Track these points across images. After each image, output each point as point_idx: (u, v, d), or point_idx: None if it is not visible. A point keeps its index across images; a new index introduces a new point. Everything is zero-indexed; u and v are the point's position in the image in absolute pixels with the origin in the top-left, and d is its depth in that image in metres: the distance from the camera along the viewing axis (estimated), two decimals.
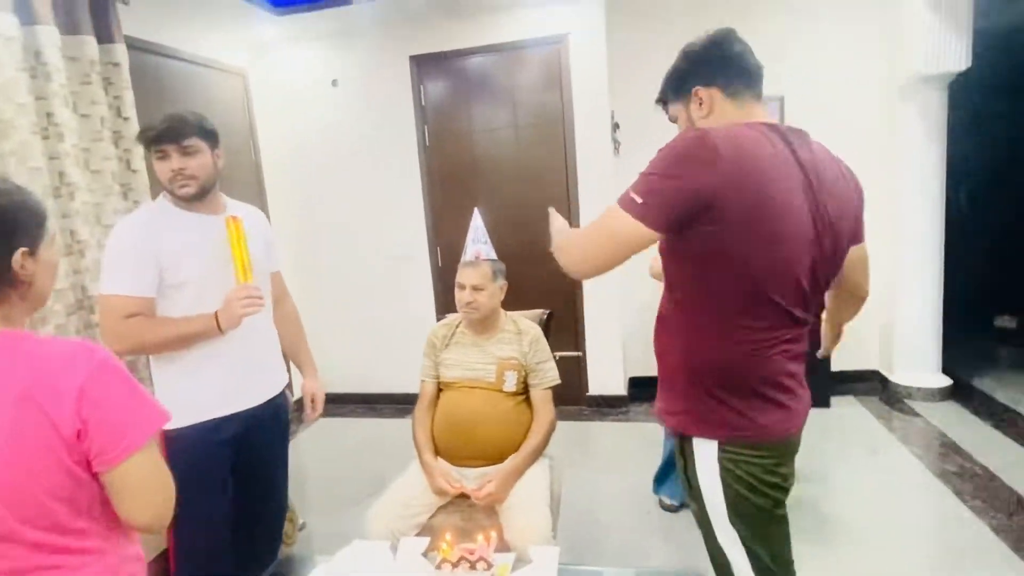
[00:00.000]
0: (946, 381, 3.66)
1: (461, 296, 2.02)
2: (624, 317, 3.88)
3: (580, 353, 3.91)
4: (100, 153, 2.57)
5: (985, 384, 3.79)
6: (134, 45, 2.86)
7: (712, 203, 1.07)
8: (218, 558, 1.75)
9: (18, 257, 0.90)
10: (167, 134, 1.64)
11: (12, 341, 0.89)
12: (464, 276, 2.03)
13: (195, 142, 1.67)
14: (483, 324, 2.06)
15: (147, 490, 0.93)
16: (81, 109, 2.51)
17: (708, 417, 1.22)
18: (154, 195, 2.75)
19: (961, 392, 3.66)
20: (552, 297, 3.85)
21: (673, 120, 1.36)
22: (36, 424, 0.84)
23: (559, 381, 2.06)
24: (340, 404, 4.32)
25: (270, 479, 1.94)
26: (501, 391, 1.97)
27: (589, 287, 3.82)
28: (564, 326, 3.89)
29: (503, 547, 1.71)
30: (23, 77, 2.26)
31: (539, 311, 2.29)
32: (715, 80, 1.23)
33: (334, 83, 3.93)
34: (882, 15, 3.53)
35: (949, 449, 3.03)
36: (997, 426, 3.25)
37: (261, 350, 1.84)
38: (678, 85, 1.30)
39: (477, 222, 2.11)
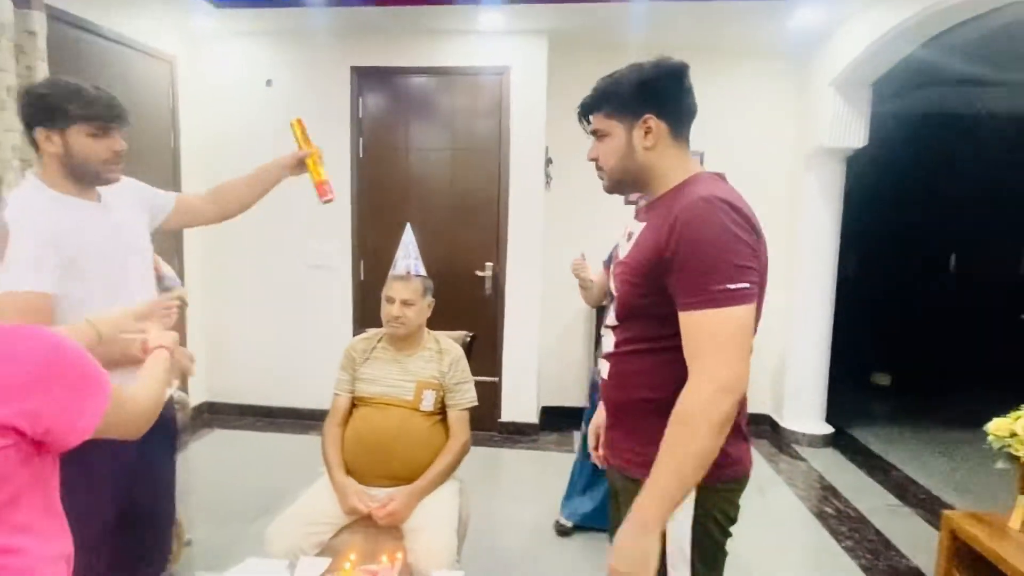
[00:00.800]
0: (828, 429, 3.96)
1: (389, 310, 2.00)
2: (542, 346, 3.95)
3: (497, 379, 3.93)
4: (3, 123, 2.37)
5: (861, 434, 4.14)
6: (55, 16, 2.68)
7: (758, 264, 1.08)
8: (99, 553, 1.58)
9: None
10: (122, 114, 1.51)
11: None
12: (394, 290, 2.01)
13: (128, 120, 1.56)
14: (406, 340, 2.04)
15: (114, 429, 0.94)
16: None
17: None
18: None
19: (841, 440, 3.98)
20: (473, 321, 3.86)
21: (598, 134, 1.23)
22: None
23: (476, 403, 2.07)
24: (239, 416, 4.10)
25: (155, 491, 1.77)
26: (418, 410, 1.95)
27: (511, 313, 3.86)
28: (483, 352, 3.90)
29: (406, 570, 1.68)
30: None
31: (463, 332, 2.30)
32: (667, 115, 1.17)
33: (268, 83, 3.83)
34: (796, 89, 3.88)
35: (828, 492, 3.27)
36: (870, 473, 3.55)
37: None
38: (627, 104, 1.17)
39: (409, 237, 2.10)
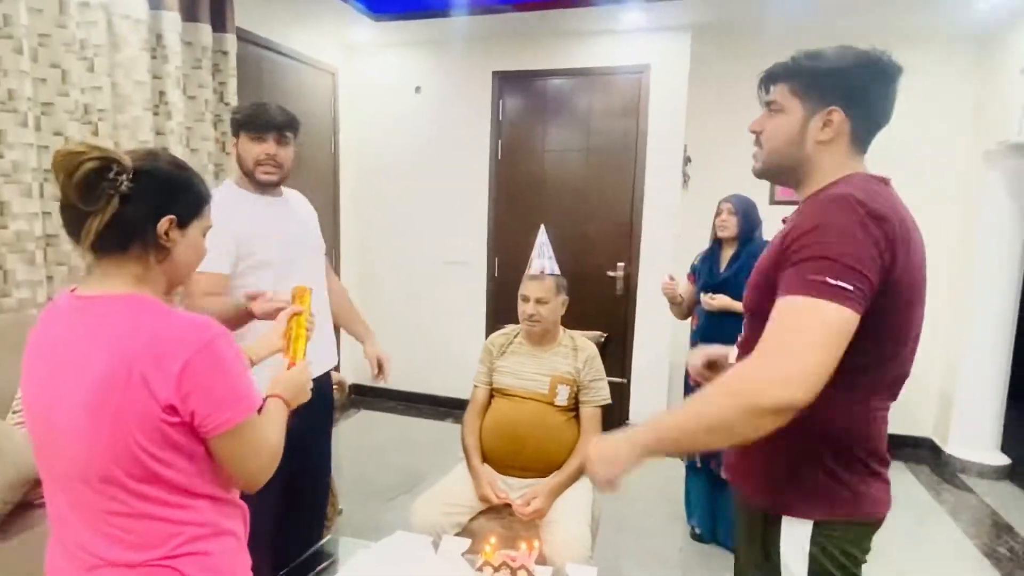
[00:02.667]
0: (1004, 460, 3.50)
1: (524, 308, 2.07)
2: (674, 348, 3.86)
3: (625, 380, 3.91)
4: (200, 133, 2.74)
5: None
6: (241, 36, 3.04)
7: (890, 276, 0.97)
8: (263, 536, 1.75)
9: (164, 222, 0.96)
10: (275, 123, 1.76)
11: (139, 305, 0.95)
12: (529, 289, 2.08)
13: (291, 135, 1.82)
14: (542, 337, 2.11)
15: (241, 461, 0.99)
16: (190, 91, 2.69)
17: (813, 495, 1.07)
18: None
19: (1020, 473, 3.50)
20: (604, 321, 3.86)
21: (773, 107, 1.13)
22: (137, 388, 0.89)
23: (610, 401, 2.08)
24: (383, 399, 4.41)
25: (319, 453, 2.03)
26: (552, 404, 2.01)
27: (642, 314, 3.82)
28: (613, 352, 3.89)
29: (540, 561, 1.73)
30: (144, 57, 2.44)
31: (597, 332, 2.32)
32: (856, 114, 1.06)
33: (417, 89, 4.07)
34: (977, 78, 3.46)
35: (1002, 530, 2.89)
36: None
37: (320, 323, 1.84)
38: (817, 87, 1.06)
39: (543, 238, 2.16)
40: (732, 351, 1.28)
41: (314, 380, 1.83)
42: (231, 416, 0.95)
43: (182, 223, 1.00)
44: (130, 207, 0.93)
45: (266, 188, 1.82)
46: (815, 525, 1.06)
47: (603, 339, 2.32)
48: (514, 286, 4.00)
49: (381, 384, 2.06)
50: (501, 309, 4.00)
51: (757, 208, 2.67)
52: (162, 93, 2.54)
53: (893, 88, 1.06)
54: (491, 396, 2.13)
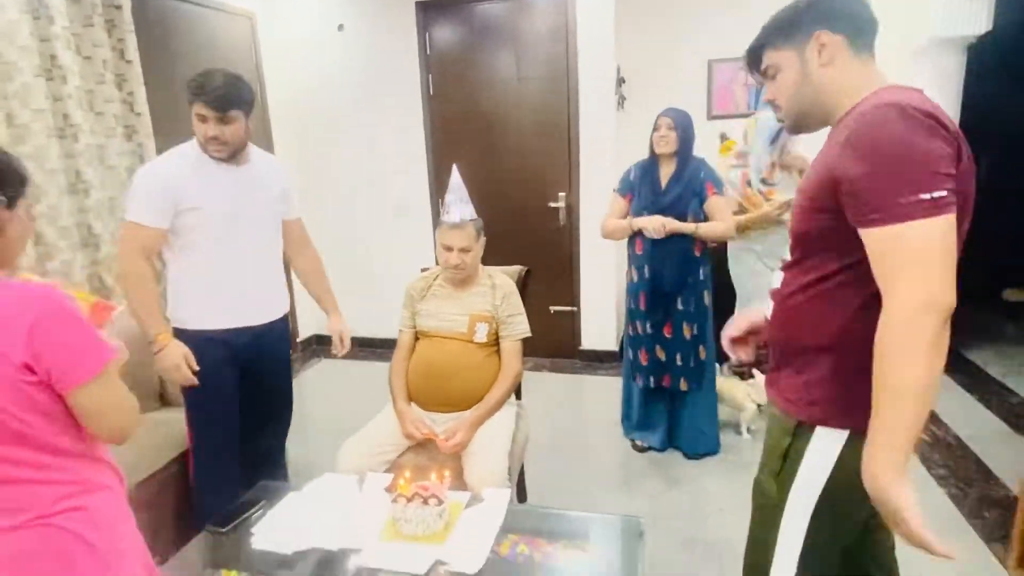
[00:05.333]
0: None
1: (448, 258, 2.06)
2: (620, 273, 3.91)
3: (575, 308, 3.98)
4: (103, 95, 2.65)
5: (980, 355, 3.79)
6: None
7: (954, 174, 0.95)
8: (231, 451, 2.05)
9: None
10: (213, 103, 1.76)
11: None
12: (451, 238, 2.06)
13: (234, 113, 1.80)
14: (464, 280, 2.13)
15: (104, 414, 1.05)
16: (84, 52, 2.58)
17: (854, 405, 1.03)
18: (157, 136, 2.86)
19: (954, 362, 3.67)
20: (549, 253, 3.90)
21: (769, 76, 1.16)
22: None
23: (529, 334, 2.14)
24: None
25: (278, 388, 2.24)
26: (472, 342, 2.06)
27: (587, 243, 3.85)
28: (560, 282, 3.95)
29: (462, 488, 1.83)
30: (26, 19, 2.33)
31: (518, 267, 2.35)
32: (840, 26, 1.07)
33: (340, 27, 3.92)
34: None
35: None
36: (982, 398, 3.28)
37: (267, 277, 2.07)
38: (790, 28, 1.11)
39: (457, 180, 2.13)
40: (766, 309, 1.26)
41: (268, 324, 2.07)
42: (88, 369, 1.00)
43: (10, 204, 1.03)
44: None
45: (229, 159, 1.88)
46: (849, 436, 1.07)
47: (524, 272, 2.35)
48: None
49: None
50: None
51: (693, 123, 2.66)
52: (52, 56, 2.43)
53: None
54: (416, 339, 2.18)
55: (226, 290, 1.96)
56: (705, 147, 3.39)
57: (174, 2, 3.24)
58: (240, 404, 2.06)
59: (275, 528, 1.63)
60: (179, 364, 1.86)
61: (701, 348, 2.74)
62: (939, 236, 0.92)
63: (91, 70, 2.61)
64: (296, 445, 2.96)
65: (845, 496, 1.10)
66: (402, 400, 2.07)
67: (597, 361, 3.98)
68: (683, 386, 2.74)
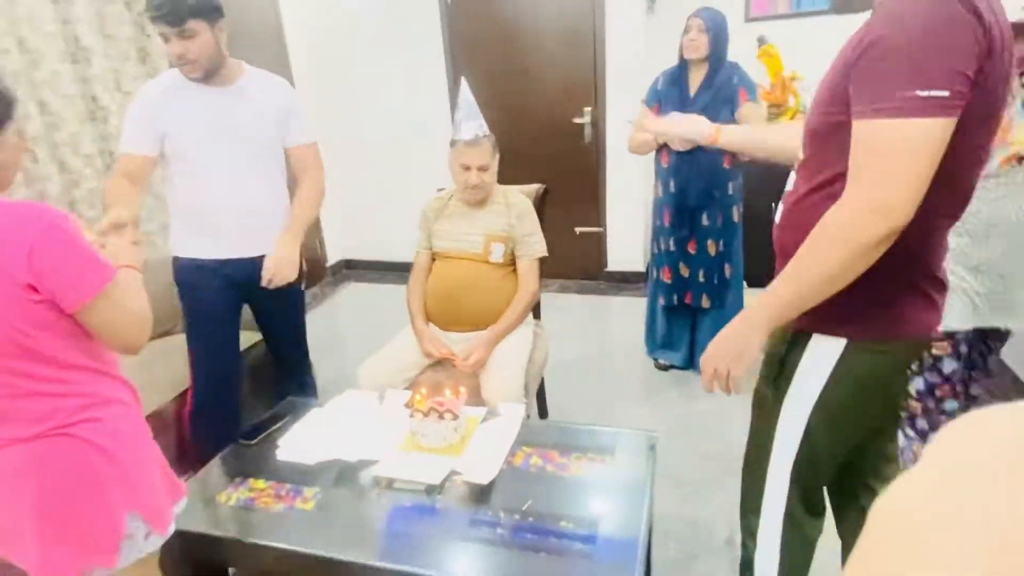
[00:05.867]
0: None
1: (467, 177, 2.01)
2: (647, 194, 3.80)
3: (601, 229, 3.91)
4: (130, 73, 2.62)
5: None
6: None
7: (978, 78, 0.86)
8: (227, 378, 2.04)
9: None
10: (163, 18, 1.64)
11: None
12: (468, 157, 2.00)
13: (193, 25, 1.66)
14: (481, 200, 2.09)
15: (113, 327, 1.08)
16: (106, 31, 2.55)
17: (854, 313, 1.02)
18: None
19: None
20: (574, 171, 3.80)
21: None
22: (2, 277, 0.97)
23: (545, 253, 2.11)
24: (372, 271, 4.53)
25: (282, 313, 2.14)
26: (487, 262, 2.04)
27: (614, 160, 3.72)
28: (585, 202, 3.86)
29: (479, 403, 1.87)
30: (46, 5, 2.28)
31: (535, 185, 2.29)
32: None
33: None
34: None
35: None
36: None
37: (259, 207, 1.93)
38: None
39: (467, 95, 2.04)
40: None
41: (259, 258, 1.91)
42: (91, 287, 1.02)
43: None
44: None
45: (207, 79, 1.77)
46: (846, 345, 1.05)
47: (543, 191, 2.29)
48: None
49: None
50: None
51: (727, 25, 2.47)
52: (76, 39, 2.39)
53: None
54: (433, 260, 2.17)
55: (211, 219, 1.87)
56: (741, 52, 3.18)
57: None
58: (259, 326, 2.09)
59: (299, 441, 1.70)
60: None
61: (726, 266, 2.67)
62: (919, 139, 0.85)
63: (115, 49, 2.56)
64: (325, 366, 3.07)
65: (841, 404, 1.09)
66: (420, 320, 2.09)
67: (624, 282, 3.94)
68: (705, 303, 2.69)
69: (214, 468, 1.63)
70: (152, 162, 1.83)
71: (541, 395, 2.48)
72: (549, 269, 3.94)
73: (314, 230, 4.25)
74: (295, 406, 1.90)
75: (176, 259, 1.95)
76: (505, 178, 2.18)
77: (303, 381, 2.32)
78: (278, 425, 1.79)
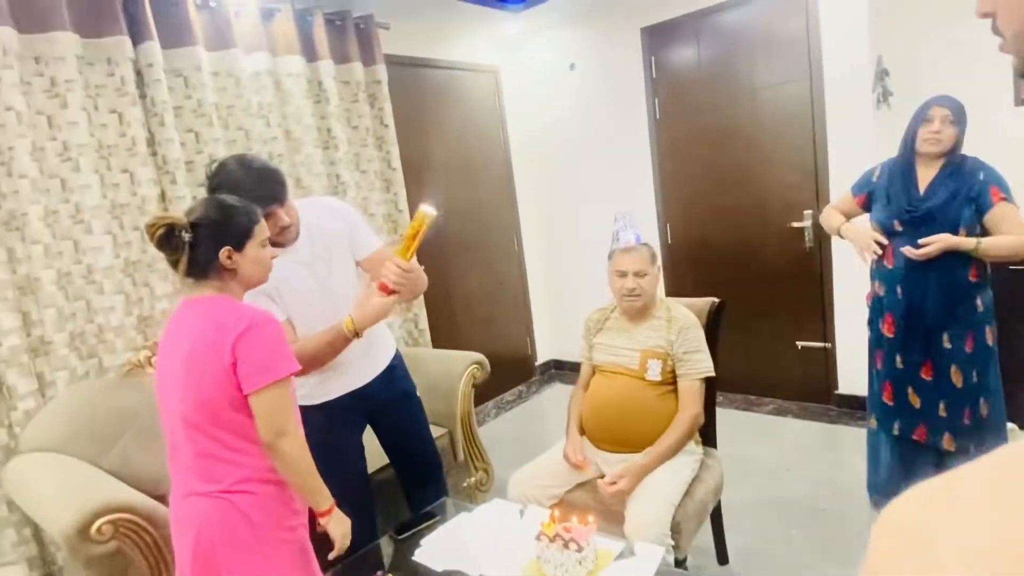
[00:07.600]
0: None
1: (623, 284, 2.00)
2: None
3: (828, 345, 3.41)
4: (366, 156, 3.22)
5: None
6: (395, 61, 3.44)
7: None
8: (358, 500, 1.87)
9: (223, 252, 1.31)
10: (272, 196, 1.61)
11: (215, 302, 1.33)
12: (624, 263, 2.00)
13: (274, 206, 1.63)
14: (640, 311, 2.03)
15: (269, 416, 1.29)
16: (351, 123, 3.17)
17: None
18: (408, 186, 3.30)
19: None
20: (795, 279, 3.44)
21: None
22: (216, 358, 1.26)
23: (711, 373, 1.92)
24: (568, 370, 4.57)
25: (409, 428, 2.08)
26: (643, 379, 1.93)
27: (841, 267, 3.27)
28: (809, 315, 3.43)
29: (622, 535, 1.71)
30: (308, 104, 2.96)
31: (709, 299, 2.13)
32: None
33: (572, 67, 4.08)
34: None
35: None
36: None
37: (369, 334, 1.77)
38: None
39: (622, 209, 2.08)
40: None
41: (380, 374, 1.95)
42: (262, 379, 1.27)
43: (238, 247, 1.34)
44: (198, 249, 1.30)
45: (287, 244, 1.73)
46: None
47: (716, 305, 2.11)
48: (688, 251, 3.82)
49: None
50: (679, 275, 3.81)
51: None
52: (328, 130, 3.04)
53: None
54: (594, 372, 2.13)
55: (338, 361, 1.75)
56: (1011, 144, 2.67)
57: (426, 68, 3.77)
58: (383, 444, 2.06)
59: (439, 544, 1.75)
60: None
61: (982, 401, 2.10)
62: None
63: (357, 137, 3.19)
64: (508, 467, 3.12)
65: None
66: (574, 426, 2.05)
67: (859, 408, 3.32)
68: (947, 445, 2.13)
69: (359, 557, 1.75)
70: (291, 329, 1.75)
71: (720, 536, 2.18)
72: (762, 388, 3.59)
73: (525, 329, 4.49)
74: (445, 507, 1.97)
75: (301, 407, 1.63)
76: (717, 289, 2.11)
77: (437, 482, 2.16)
78: (429, 522, 1.87)
